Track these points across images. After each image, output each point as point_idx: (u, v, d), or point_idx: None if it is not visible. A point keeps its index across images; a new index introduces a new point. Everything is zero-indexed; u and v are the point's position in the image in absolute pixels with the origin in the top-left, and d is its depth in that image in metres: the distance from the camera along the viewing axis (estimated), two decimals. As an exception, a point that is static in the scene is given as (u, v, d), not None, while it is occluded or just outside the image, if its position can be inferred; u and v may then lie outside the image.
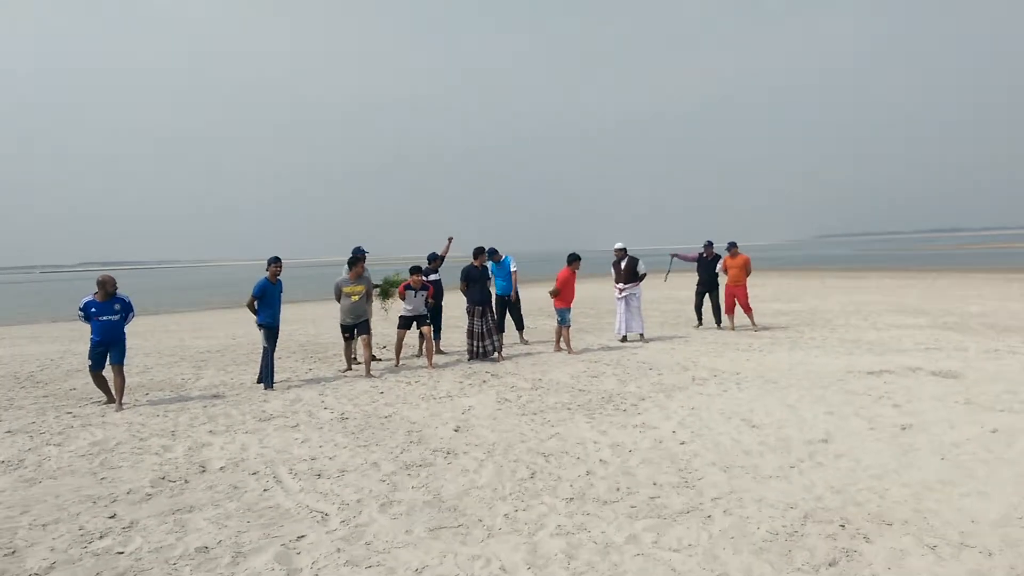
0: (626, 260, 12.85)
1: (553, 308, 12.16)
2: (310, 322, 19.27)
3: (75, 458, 6.45)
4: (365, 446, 6.58)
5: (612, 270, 13.00)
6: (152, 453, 6.54)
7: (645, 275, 12.94)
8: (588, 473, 5.52)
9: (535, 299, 22.42)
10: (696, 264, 14.67)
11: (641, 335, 12.82)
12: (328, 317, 20.46)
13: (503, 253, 12.47)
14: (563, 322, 11.94)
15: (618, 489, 5.16)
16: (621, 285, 12.72)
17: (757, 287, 27.29)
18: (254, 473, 5.86)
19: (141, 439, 7.06)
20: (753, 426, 6.75)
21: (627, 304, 12.67)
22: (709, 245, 14.69)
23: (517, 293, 12.65)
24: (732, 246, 14.27)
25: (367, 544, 4.37)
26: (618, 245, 12.99)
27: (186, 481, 5.71)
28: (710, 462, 5.69)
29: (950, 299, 19.64)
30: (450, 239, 12.86)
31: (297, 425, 7.47)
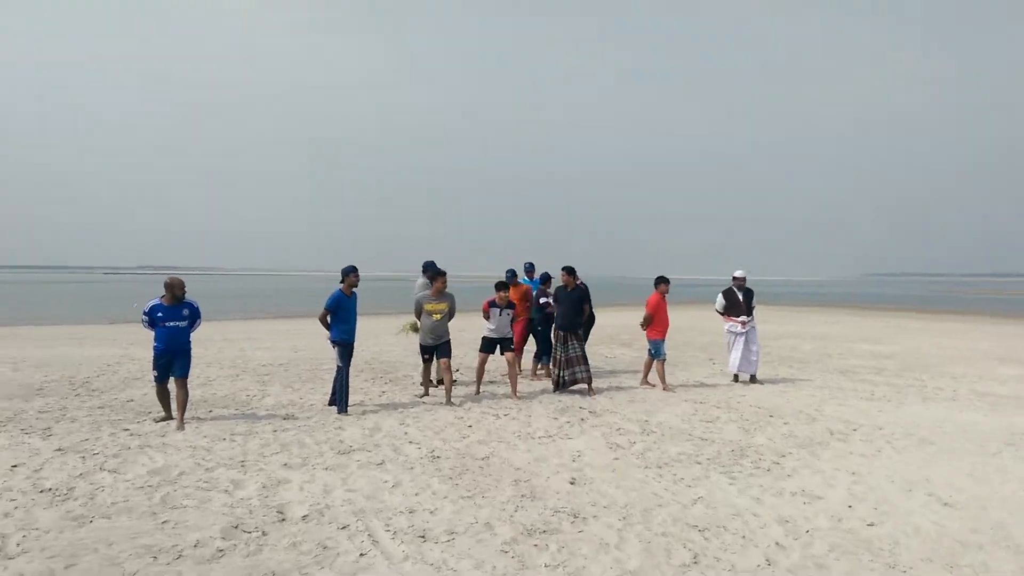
0: (744, 291, 11.54)
1: (646, 339, 10.96)
2: (372, 336, 18.34)
3: (132, 490, 5.50)
4: (469, 497, 5.50)
5: (722, 299, 11.65)
6: (221, 490, 5.56)
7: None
8: (769, 563, 4.33)
9: (607, 324, 21.17)
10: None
11: (753, 376, 11.47)
12: (390, 332, 19.57)
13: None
14: (657, 355, 10.75)
15: (821, 591, 3.97)
16: (744, 318, 11.38)
17: (830, 324, 25.60)
18: (344, 527, 4.82)
19: (207, 469, 6.10)
20: (945, 504, 5.47)
21: (747, 340, 11.31)
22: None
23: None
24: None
25: (512, 656, 3.27)
26: (739, 273, 11.64)
27: (264, 533, 4.69)
28: (923, 557, 4.45)
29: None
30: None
31: (383, 462, 6.43)
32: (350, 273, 8.81)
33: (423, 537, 4.66)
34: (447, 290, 9.52)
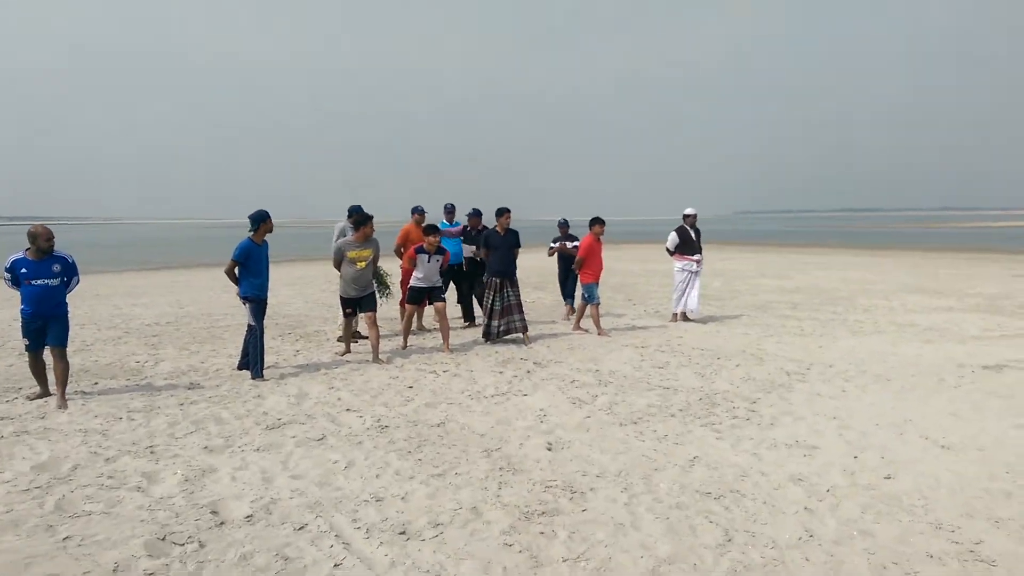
0: (695, 229, 11.25)
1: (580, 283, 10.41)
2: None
3: (15, 495, 4.35)
4: (440, 475, 4.71)
5: (675, 236, 11.22)
6: (132, 487, 4.49)
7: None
8: (811, 535, 3.82)
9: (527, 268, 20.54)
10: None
11: (685, 315, 11.26)
12: (280, 283, 18.14)
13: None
14: (591, 300, 10.22)
15: (885, 568, 3.49)
16: (699, 257, 11.10)
17: (724, 261, 26.16)
18: (301, 527, 3.93)
19: (108, 460, 4.98)
20: (943, 447, 5.20)
21: (696, 279, 11.08)
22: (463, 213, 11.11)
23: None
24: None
25: None
26: (689, 210, 11.27)
27: (200, 544, 3.73)
28: (962, 512, 4.08)
29: (945, 279, 18.80)
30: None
31: (323, 437, 5.51)
32: (263, 220, 7.63)
33: (404, 533, 3.85)
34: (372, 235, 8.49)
